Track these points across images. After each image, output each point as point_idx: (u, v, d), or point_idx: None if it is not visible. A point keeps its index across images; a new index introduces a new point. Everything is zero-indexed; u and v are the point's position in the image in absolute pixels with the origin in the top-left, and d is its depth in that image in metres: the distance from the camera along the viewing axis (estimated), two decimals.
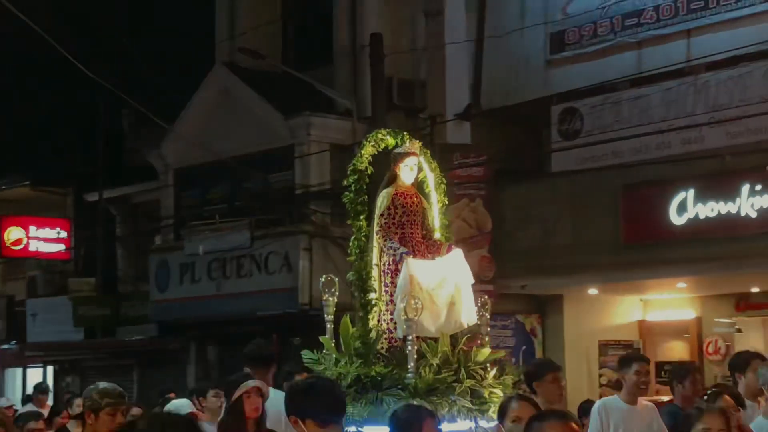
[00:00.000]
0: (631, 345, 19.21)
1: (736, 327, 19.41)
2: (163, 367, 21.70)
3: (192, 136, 19.44)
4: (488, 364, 7.66)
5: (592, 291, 18.76)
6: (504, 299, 18.26)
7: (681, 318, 19.44)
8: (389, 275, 7.77)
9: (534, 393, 7.52)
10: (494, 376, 7.56)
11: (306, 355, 7.92)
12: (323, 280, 7.91)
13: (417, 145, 8.20)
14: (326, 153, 18.41)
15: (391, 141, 8.17)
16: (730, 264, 15.65)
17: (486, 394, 7.42)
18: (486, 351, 7.75)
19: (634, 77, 16.63)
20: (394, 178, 8.10)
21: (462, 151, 18.20)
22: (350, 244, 7.91)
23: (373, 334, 7.60)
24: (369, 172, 7.99)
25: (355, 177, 7.97)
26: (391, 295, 7.70)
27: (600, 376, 18.55)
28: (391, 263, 7.76)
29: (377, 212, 7.95)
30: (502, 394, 7.39)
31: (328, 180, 18.44)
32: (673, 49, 16.45)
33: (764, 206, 15.25)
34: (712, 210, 15.74)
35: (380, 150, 8.15)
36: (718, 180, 15.71)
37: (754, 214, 15.31)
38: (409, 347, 7.27)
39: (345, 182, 8.05)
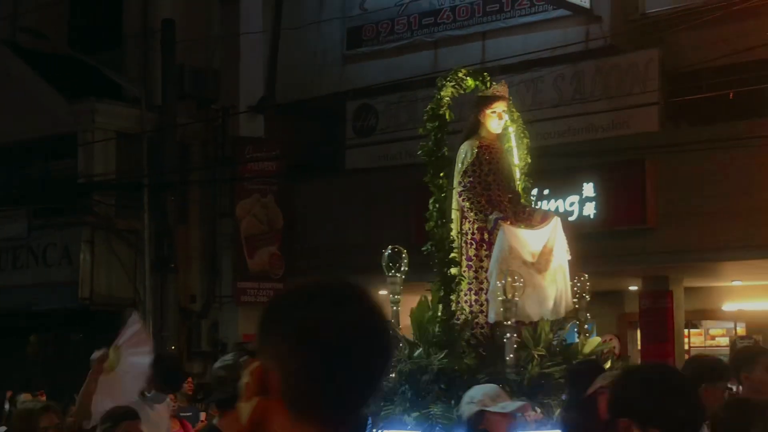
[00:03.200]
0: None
1: None
2: None
3: None
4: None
5: (383, 291, 18.66)
6: None
7: None
8: (473, 246, 6.40)
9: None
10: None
11: None
12: (389, 251, 6.50)
13: (505, 87, 6.76)
14: (112, 141, 17.62)
15: (470, 82, 6.73)
16: None
17: None
18: (596, 340, 6.42)
19: (429, 76, 16.58)
20: (477, 127, 6.63)
21: (255, 145, 17.80)
22: (429, 206, 6.46)
23: (463, 318, 6.21)
24: (449, 118, 6.53)
25: (435, 124, 6.54)
26: (476, 271, 6.34)
27: None
28: (475, 232, 6.39)
29: (459, 168, 6.48)
30: None
31: (113, 169, 17.67)
32: (468, 51, 16.51)
33: (552, 209, 15.45)
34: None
35: (462, 92, 6.65)
36: None
37: None
38: (507, 335, 5.88)
39: (421, 131, 6.60)
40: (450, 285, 6.26)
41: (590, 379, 5.07)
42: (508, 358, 5.83)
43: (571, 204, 15.31)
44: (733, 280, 16.17)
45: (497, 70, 16.14)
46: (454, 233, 6.44)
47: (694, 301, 16.24)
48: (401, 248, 6.45)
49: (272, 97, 18.04)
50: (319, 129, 18.31)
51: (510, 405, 4.99)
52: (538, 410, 5.70)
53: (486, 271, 6.28)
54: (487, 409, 4.96)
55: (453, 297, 6.25)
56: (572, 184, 15.34)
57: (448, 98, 6.56)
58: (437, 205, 6.42)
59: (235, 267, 17.67)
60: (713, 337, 16.63)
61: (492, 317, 6.11)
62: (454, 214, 6.45)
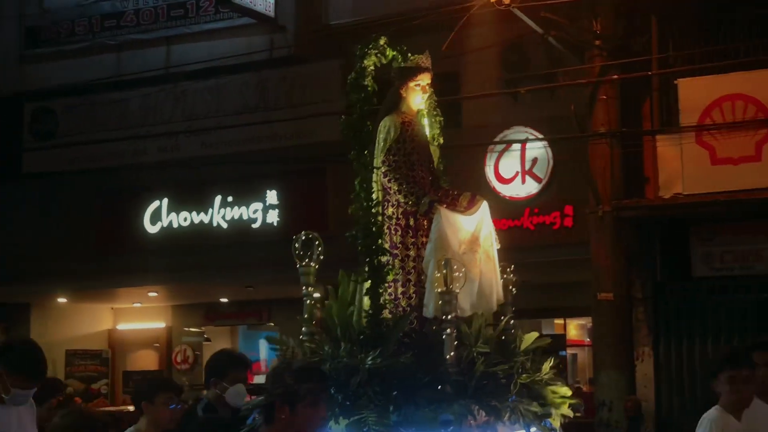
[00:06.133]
0: (100, 354, 18.88)
1: (205, 336, 19.74)
2: None
3: None
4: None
5: (62, 299, 18.15)
6: None
7: (151, 327, 19.40)
8: (398, 232, 5.75)
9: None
10: (550, 368, 5.68)
11: (272, 341, 5.69)
12: (302, 238, 5.63)
13: (429, 58, 6.10)
14: None
15: (389, 52, 6.03)
16: (200, 274, 15.79)
17: (546, 394, 5.54)
18: (533, 335, 5.84)
19: (112, 80, 16.26)
20: (398, 101, 6.02)
21: None
22: (356, 187, 5.73)
23: (387, 313, 5.55)
24: (371, 90, 5.83)
25: (359, 95, 5.77)
26: (402, 260, 5.71)
27: (66, 387, 17.95)
28: (400, 216, 5.75)
29: (381, 147, 5.85)
30: (570, 393, 5.67)
31: None
32: (152, 55, 16.33)
33: (235, 217, 15.57)
34: (186, 219, 15.82)
35: (384, 63, 5.95)
36: (192, 190, 15.81)
37: (225, 225, 15.59)
38: (448, 330, 5.24)
39: (343, 105, 6.06)
40: (379, 275, 5.53)
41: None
42: (448, 357, 5.23)
43: (255, 211, 15.48)
44: None
45: (181, 75, 16.10)
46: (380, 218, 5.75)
47: None
48: (316, 234, 5.67)
49: None
50: None
51: None
52: (483, 413, 5.28)
53: (413, 260, 5.75)
54: None
55: (381, 289, 5.56)
56: (256, 192, 15.50)
57: (372, 67, 5.87)
58: (364, 186, 5.68)
59: None
60: None
61: (431, 311, 5.50)
62: (378, 197, 5.77)
